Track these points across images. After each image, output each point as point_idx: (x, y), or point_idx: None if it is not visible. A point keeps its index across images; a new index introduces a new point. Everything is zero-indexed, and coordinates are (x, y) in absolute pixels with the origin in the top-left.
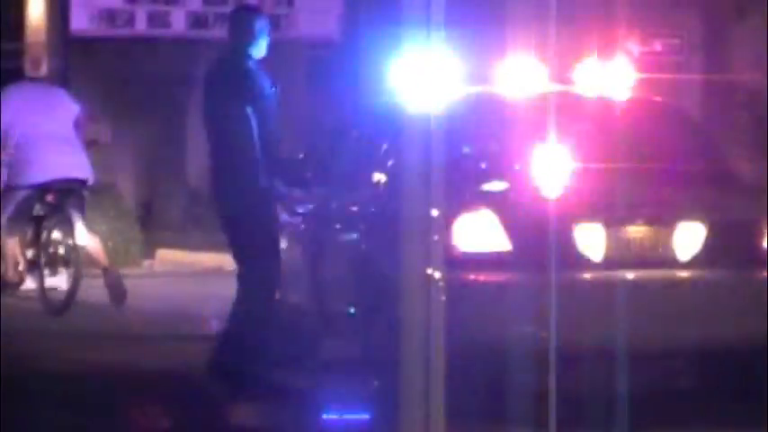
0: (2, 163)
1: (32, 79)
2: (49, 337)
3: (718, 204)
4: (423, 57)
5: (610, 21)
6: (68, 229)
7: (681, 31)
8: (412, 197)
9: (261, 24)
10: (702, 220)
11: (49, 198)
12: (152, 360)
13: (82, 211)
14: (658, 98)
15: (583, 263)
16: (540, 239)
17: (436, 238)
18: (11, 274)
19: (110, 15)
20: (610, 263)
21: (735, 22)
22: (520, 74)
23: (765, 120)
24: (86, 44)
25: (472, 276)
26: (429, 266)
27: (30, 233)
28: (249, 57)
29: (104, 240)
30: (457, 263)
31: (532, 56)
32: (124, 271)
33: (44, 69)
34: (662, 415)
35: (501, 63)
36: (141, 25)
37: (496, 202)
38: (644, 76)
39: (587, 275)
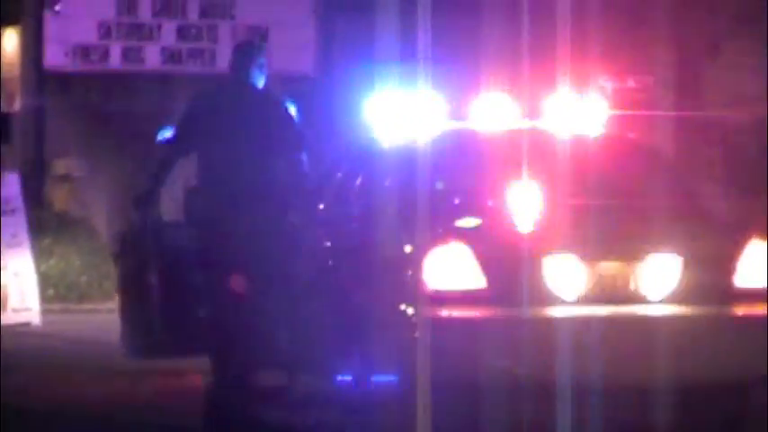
0: None
1: None
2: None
3: (689, 239)
4: (396, 93)
5: (584, 57)
6: None
7: (654, 69)
8: (387, 232)
9: (263, 58)
10: (674, 255)
11: None
12: (127, 393)
13: None
14: (630, 134)
15: (555, 298)
16: (517, 277)
17: (414, 275)
18: None
19: (84, 51)
20: (583, 298)
21: (708, 60)
22: (494, 110)
23: (735, 155)
24: (61, 79)
25: (444, 313)
26: (402, 302)
27: None
28: (254, 86)
29: (78, 275)
30: (431, 299)
31: (506, 92)
32: (98, 305)
33: (17, 104)
34: None
35: (475, 100)
36: (116, 61)
37: (470, 238)
38: (617, 112)
39: (560, 311)
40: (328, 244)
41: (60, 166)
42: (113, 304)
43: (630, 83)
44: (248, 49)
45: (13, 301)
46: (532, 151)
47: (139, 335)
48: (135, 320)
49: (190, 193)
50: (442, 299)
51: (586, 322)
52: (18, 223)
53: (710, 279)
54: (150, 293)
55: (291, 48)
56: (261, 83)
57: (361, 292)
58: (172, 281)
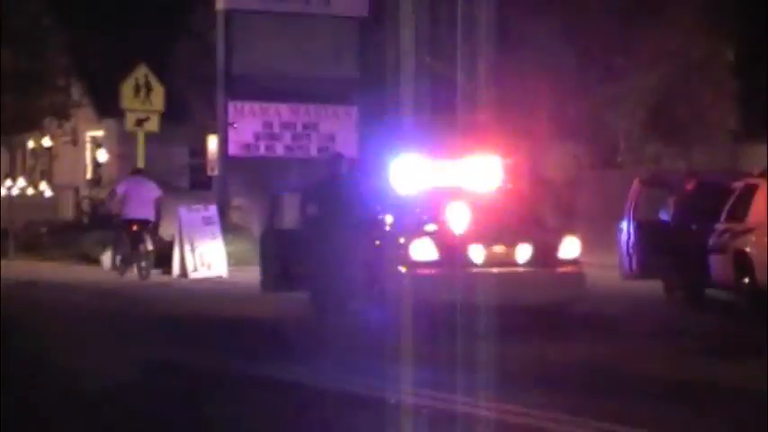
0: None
1: (140, 172)
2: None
3: (537, 235)
4: (405, 165)
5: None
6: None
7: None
8: (393, 233)
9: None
10: (530, 243)
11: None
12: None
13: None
14: (508, 186)
15: (472, 264)
16: (452, 253)
17: (402, 251)
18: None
19: (247, 147)
20: (483, 264)
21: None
22: (447, 175)
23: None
24: (236, 161)
25: (419, 272)
26: (400, 266)
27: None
28: (342, 174)
29: (243, 252)
30: (412, 263)
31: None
32: (252, 268)
33: (215, 172)
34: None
35: (442, 168)
36: (261, 151)
37: (432, 235)
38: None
39: (474, 270)
40: (370, 238)
41: (234, 201)
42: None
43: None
44: (339, 157)
45: (214, 265)
46: (460, 195)
47: (270, 279)
48: (267, 272)
49: (311, 220)
50: (417, 264)
51: (485, 275)
52: (215, 228)
53: (548, 254)
54: (275, 260)
55: (344, 136)
56: (344, 170)
57: (382, 261)
58: (286, 253)
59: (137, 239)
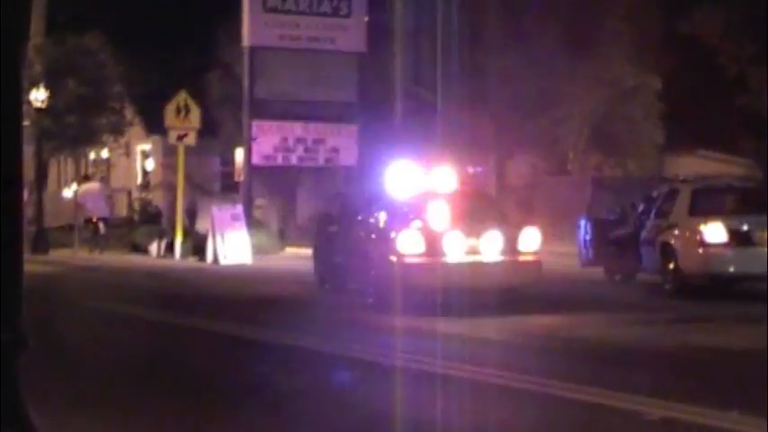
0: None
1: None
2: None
3: (500, 228)
4: (396, 173)
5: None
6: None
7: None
8: (385, 229)
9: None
10: (495, 235)
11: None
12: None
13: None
14: (476, 190)
15: (448, 254)
16: (433, 245)
17: (392, 244)
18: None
19: (267, 157)
20: (458, 254)
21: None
22: (433, 180)
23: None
24: (259, 171)
25: (405, 261)
26: (391, 256)
27: None
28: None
29: (264, 242)
30: (400, 254)
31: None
32: (274, 255)
33: (241, 177)
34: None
35: (426, 175)
36: (279, 160)
37: (416, 230)
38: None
39: (451, 259)
40: (369, 233)
41: (257, 201)
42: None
43: (472, 169)
44: (339, 195)
45: (240, 253)
46: (440, 198)
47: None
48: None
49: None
50: (405, 255)
51: (460, 263)
52: (241, 223)
53: (511, 245)
54: (320, 252)
55: (346, 150)
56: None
57: (377, 252)
58: (327, 246)
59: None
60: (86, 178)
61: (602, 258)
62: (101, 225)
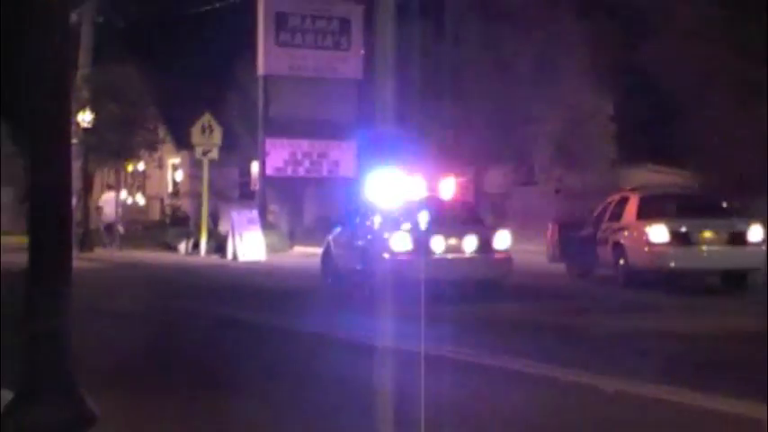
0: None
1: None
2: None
3: (477, 231)
4: (389, 182)
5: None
6: None
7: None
8: (379, 230)
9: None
10: (474, 236)
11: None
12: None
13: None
14: (461, 198)
15: (433, 252)
16: (420, 244)
17: (385, 243)
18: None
19: (278, 169)
20: (443, 251)
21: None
22: (417, 189)
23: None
24: (274, 179)
25: (396, 257)
26: (384, 253)
27: None
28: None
29: (276, 242)
30: (391, 251)
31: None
32: (287, 253)
33: (257, 186)
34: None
35: (414, 184)
36: (288, 172)
37: (406, 232)
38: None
39: (435, 256)
40: (366, 234)
41: (270, 207)
42: (290, 254)
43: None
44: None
45: (255, 251)
46: (426, 204)
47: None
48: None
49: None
50: (396, 253)
51: (442, 259)
52: (257, 225)
53: (487, 244)
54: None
55: (345, 162)
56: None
57: (372, 250)
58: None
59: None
60: (110, 188)
61: (565, 255)
62: (119, 227)
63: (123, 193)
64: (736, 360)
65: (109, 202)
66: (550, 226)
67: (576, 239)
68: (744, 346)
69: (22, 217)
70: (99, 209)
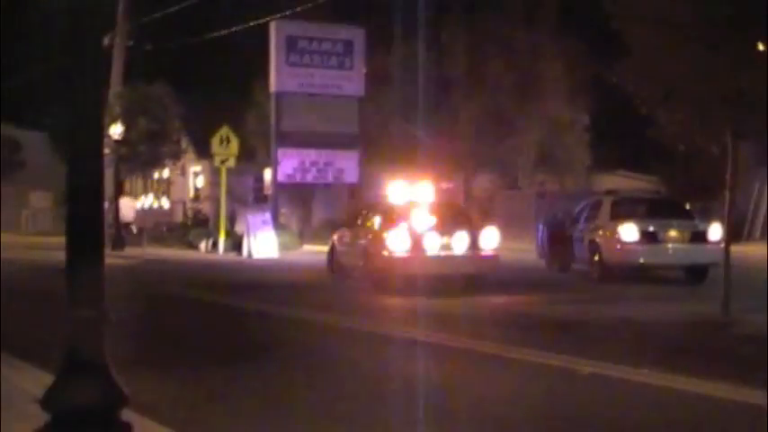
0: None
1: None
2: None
3: (467, 229)
4: (388, 187)
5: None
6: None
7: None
8: (379, 230)
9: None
10: (463, 234)
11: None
12: None
13: None
14: (451, 201)
15: (427, 250)
16: (418, 242)
17: (384, 242)
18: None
19: (289, 176)
20: (436, 249)
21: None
22: (413, 193)
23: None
24: (284, 186)
25: (394, 255)
26: (383, 251)
27: None
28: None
29: (288, 240)
30: (390, 249)
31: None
32: (295, 250)
33: (270, 192)
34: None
35: (411, 189)
36: (298, 178)
37: (403, 231)
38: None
39: (428, 254)
40: (366, 234)
41: (281, 210)
42: (300, 252)
43: (445, 184)
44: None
45: (269, 250)
46: (421, 206)
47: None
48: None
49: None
50: (393, 251)
51: (436, 256)
52: (270, 226)
53: (474, 243)
54: (334, 252)
55: (349, 170)
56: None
57: (374, 248)
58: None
59: None
60: (125, 193)
61: (550, 252)
62: (133, 227)
63: (143, 198)
64: (699, 345)
65: (126, 205)
66: (540, 227)
67: (557, 238)
68: (706, 331)
69: (60, 219)
70: (119, 210)
